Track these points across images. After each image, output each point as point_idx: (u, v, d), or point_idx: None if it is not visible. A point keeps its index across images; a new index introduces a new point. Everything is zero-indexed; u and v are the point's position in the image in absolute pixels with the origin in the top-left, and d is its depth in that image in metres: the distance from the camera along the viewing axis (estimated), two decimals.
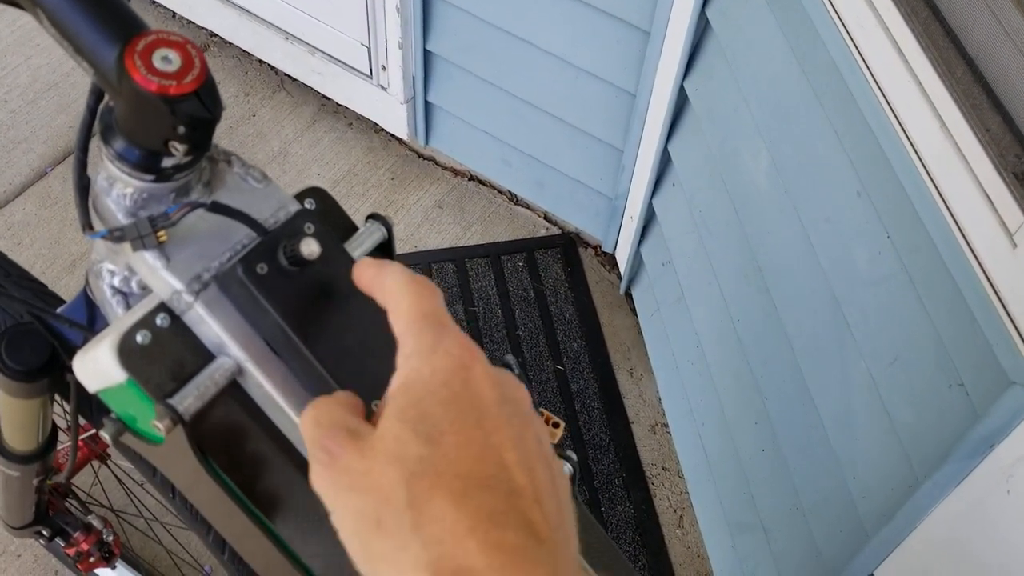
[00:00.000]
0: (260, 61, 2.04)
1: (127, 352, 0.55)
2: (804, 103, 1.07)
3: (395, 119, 1.86)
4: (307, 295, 0.56)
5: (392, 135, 1.97)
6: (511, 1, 1.51)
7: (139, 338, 0.56)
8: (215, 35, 2.06)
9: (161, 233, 0.54)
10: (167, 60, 0.49)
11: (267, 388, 0.58)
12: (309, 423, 0.43)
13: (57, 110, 1.94)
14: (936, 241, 0.85)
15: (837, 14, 0.97)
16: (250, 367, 0.57)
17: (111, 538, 1.07)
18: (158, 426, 0.54)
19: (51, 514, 1.06)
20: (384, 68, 1.75)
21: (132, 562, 1.33)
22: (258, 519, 0.61)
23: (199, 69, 0.49)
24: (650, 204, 1.54)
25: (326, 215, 0.66)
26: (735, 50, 1.21)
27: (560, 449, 0.72)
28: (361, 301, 0.58)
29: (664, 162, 1.47)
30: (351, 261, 0.58)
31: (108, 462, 1.13)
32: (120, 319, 0.59)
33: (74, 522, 1.06)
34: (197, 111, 0.50)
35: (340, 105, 1.98)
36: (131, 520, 1.16)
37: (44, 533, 1.05)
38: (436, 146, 1.91)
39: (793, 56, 1.09)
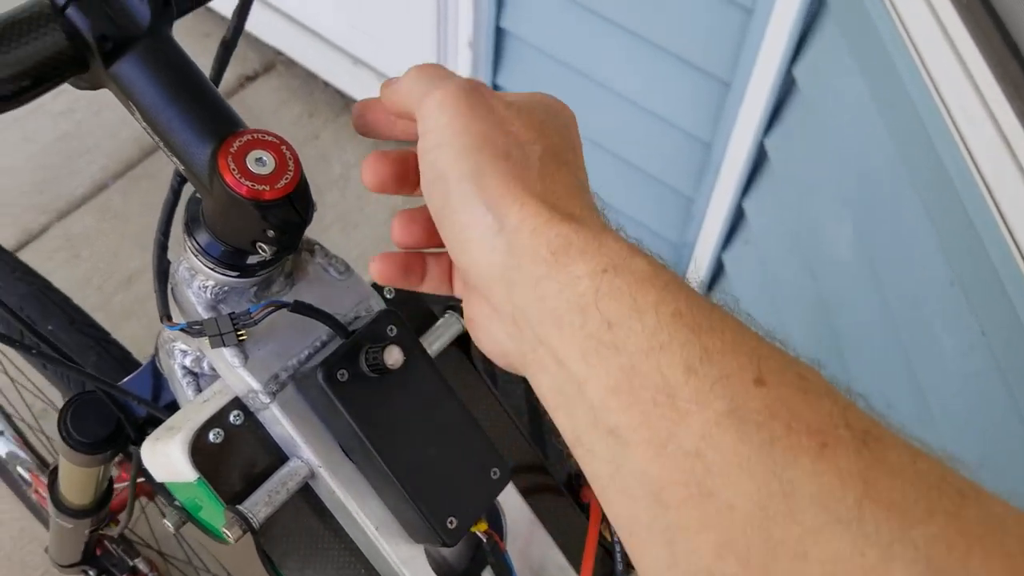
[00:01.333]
0: (325, 83, 2.02)
1: (199, 452, 0.53)
2: (894, 178, 1.03)
3: None
4: (388, 403, 0.53)
5: None
6: (586, 41, 1.47)
7: (212, 436, 0.54)
8: (281, 54, 2.06)
9: (242, 332, 0.52)
10: (261, 162, 0.46)
11: (339, 495, 0.55)
12: None
13: (121, 123, 1.94)
14: None
15: (936, 89, 0.92)
16: (323, 473, 0.55)
17: None
18: (227, 533, 0.52)
19: (98, 554, 1.04)
20: None
21: None
22: None
23: (293, 172, 0.47)
24: (719, 258, 1.50)
25: (404, 302, 0.63)
26: (822, 112, 1.17)
27: None
28: (441, 410, 0.56)
29: (737, 217, 1.43)
30: (435, 369, 0.56)
31: (156, 499, 1.12)
32: (192, 408, 0.57)
33: (121, 564, 1.05)
34: (289, 216, 0.47)
35: None
36: (180, 567, 1.14)
37: (90, 573, 1.03)
38: None
39: (885, 126, 1.04)
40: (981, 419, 0.89)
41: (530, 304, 0.33)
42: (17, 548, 1.45)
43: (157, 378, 0.68)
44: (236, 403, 0.55)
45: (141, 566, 1.04)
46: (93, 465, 0.69)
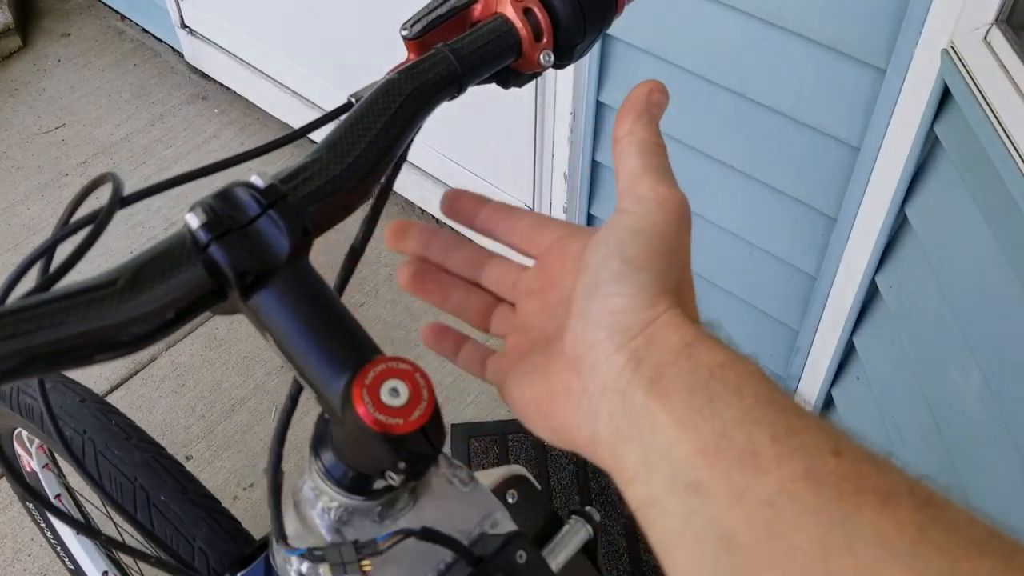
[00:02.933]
0: (422, 210, 2.07)
1: None
2: (1023, 320, 0.97)
3: None
4: None
5: None
6: (685, 177, 1.47)
7: None
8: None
9: (366, 563, 0.50)
10: (395, 393, 0.45)
11: None
12: None
13: None
14: None
15: None
16: None
17: None
18: None
19: None
20: None
21: None
22: None
23: (427, 403, 0.46)
24: (829, 393, 1.44)
25: (528, 502, 0.61)
26: (940, 253, 1.12)
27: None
28: None
29: (847, 352, 1.38)
30: None
31: None
32: None
33: None
34: (421, 448, 0.46)
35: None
36: None
37: None
38: None
39: (1011, 267, 0.99)
40: None
41: (646, 384, 0.37)
42: None
43: (270, 573, 0.67)
44: None
45: None
46: None
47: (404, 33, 0.56)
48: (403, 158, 0.56)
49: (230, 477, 1.69)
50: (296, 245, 0.48)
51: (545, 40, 0.56)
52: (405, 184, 1.99)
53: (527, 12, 0.55)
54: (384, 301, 1.94)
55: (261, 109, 2.31)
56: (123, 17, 2.65)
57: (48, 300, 0.40)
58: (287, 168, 0.50)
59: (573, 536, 0.60)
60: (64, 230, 0.45)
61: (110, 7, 2.67)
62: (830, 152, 1.26)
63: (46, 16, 2.71)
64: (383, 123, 0.53)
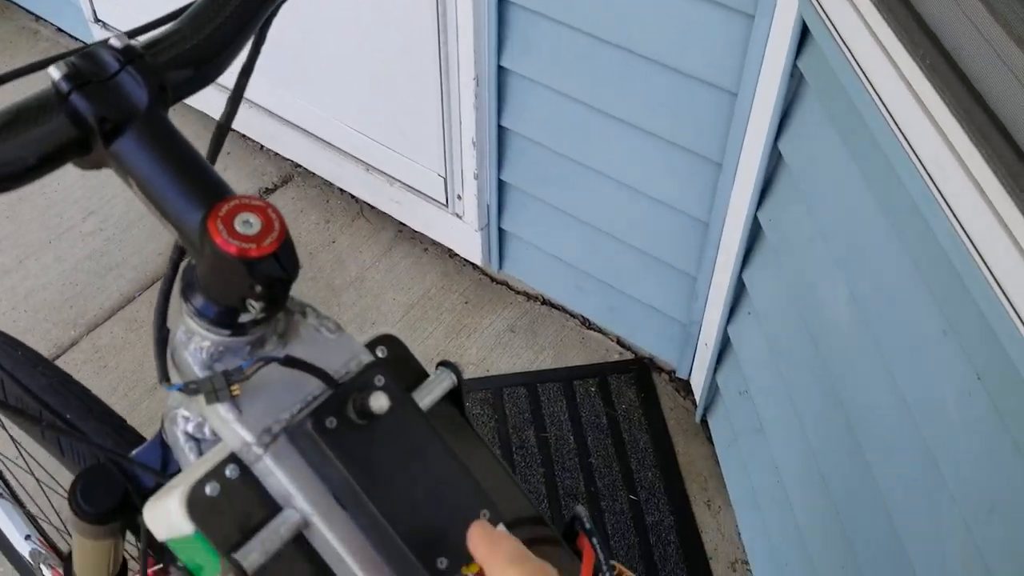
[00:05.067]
0: (341, 190, 2.11)
1: (196, 504, 0.55)
2: (882, 237, 1.05)
3: (469, 245, 1.89)
4: (376, 449, 0.56)
5: (466, 260, 2.00)
6: (583, 134, 1.54)
7: (208, 489, 0.56)
8: (299, 166, 2.15)
9: (235, 387, 0.55)
10: (248, 224, 0.51)
11: (333, 543, 0.57)
12: None
13: (148, 237, 2.03)
14: None
15: (912, 149, 0.96)
16: (316, 521, 0.57)
17: None
18: None
19: None
20: (460, 197, 1.79)
21: None
22: None
23: (278, 231, 0.51)
24: (725, 331, 1.52)
25: (397, 362, 0.66)
26: (809, 182, 1.21)
27: None
28: (429, 455, 0.58)
29: (739, 290, 1.46)
30: (421, 414, 0.58)
31: None
32: (191, 468, 0.59)
33: None
34: (274, 271, 0.51)
35: (416, 232, 2.03)
36: None
37: None
38: (510, 272, 1.93)
39: (868, 189, 1.08)
40: (987, 465, 0.89)
41: None
42: None
43: (166, 451, 0.71)
44: (232, 458, 0.57)
45: None
46: (103, 538, 0.71)
47: None
48: (262, 39, 0.62)
49: None
50: (153, 97, 0.53)
51: None
52: (322, 164, 2.04)
53: None
54: (305, 278, 1.98)
55: None
56: (37, 18, 2.66)
57: None
58: (150, 36, 0.56)
59: (438, 384, 0.65)
60: None
61: (23, 8, 2.67)
62: (712, 99, 1.34)
63: None
64: (237, 3, 0.59)
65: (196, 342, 0.57)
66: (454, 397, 0.66)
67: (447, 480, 0.57)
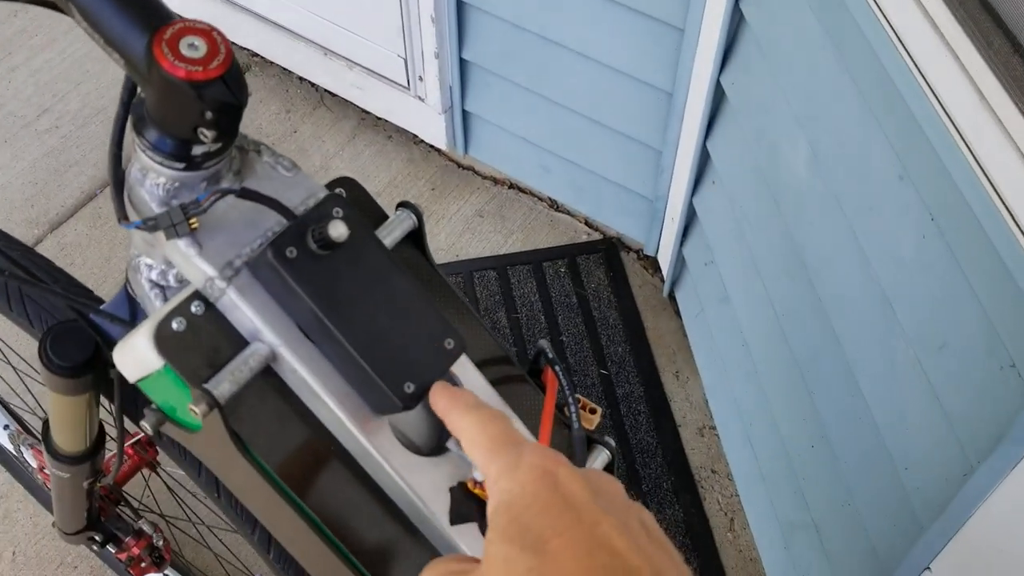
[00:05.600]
0: (300, 78, 2.07)
1: (163, 339, 0.56)
2: (841, 89, 1.06)
3: (433, 130, 1.87)
4: (338, 278, 0.56)
5: (431, 146, 1.99)
6: (544, 5, 1.51)
7: (175, 325, 0.57)
8: (256, 55, 2.10)
9: (193, 220, 0.55)
10: (194, 47, 0.50)
11: (301, 373, 0.58)
12: None
13: (106, 134, 1.99)
14: (982, 220, 0.83)
15: None
16: (284, 352, 0.58)
17: (161, 543, 1.09)
18: (195, 411, 0.55)
19: (103, 520, 1.07)
20: (421, 79, 1.76)
21: (184, 571, 1.34)
22: (299, 507, 0.61)
23: (224, 55, 0.50)
24: (691, 204, 1.53)
25: (356, 204, 0.66)
26: (770, 41, 1.20)
27: (598, 435, 0.71)
28: (391, 284, 0.59)
29: (703, 160, 1.46)
30: (381, 244, 0.59)
31: (158, 470, 1.15)
32: (157, 310, 0.60)
33: (125, 528, 1.08)
34: (223, 96, 0.50)
35: (379, 119, 2.01)
36: (183, 528, 1.17)
37: (96, 539, 1.06)
38: (475, 155, 1.92)
39: (829, 41, 1.07)
40: (942, 306, 0.92)
41: None
42: (31, 543, 1.48)
43: (133, 305, 0.72)
44: (196, 295, 0.58)
45: (146, 528, 1.07)
46: (76, 393, 0.72)
47: None
48: None
49: None
50: None
51: None
52: (279, 51, 1.99)
53: None
54: None
55: None
56: None
57: None
58: None
59: (399, 224, 0.66)
60: None
61: None
62: None
63: None
64: None
65: (151, 179, 0.57)
66: (415, 239, 0.67)
67: (411, 309, 0.58)
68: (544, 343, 0.68)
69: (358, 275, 0.57)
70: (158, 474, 1.17)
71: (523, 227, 1.89)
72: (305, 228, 0.56)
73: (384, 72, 1.81)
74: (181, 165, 0.55)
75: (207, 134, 0.52)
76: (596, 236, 1.89)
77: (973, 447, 0.86)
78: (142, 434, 1.08)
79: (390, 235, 0.65)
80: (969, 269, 0.87)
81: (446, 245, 1.87)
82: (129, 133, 0.58)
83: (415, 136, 1.98)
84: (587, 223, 1.90)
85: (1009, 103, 0.79)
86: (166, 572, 1.24)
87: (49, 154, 1.98)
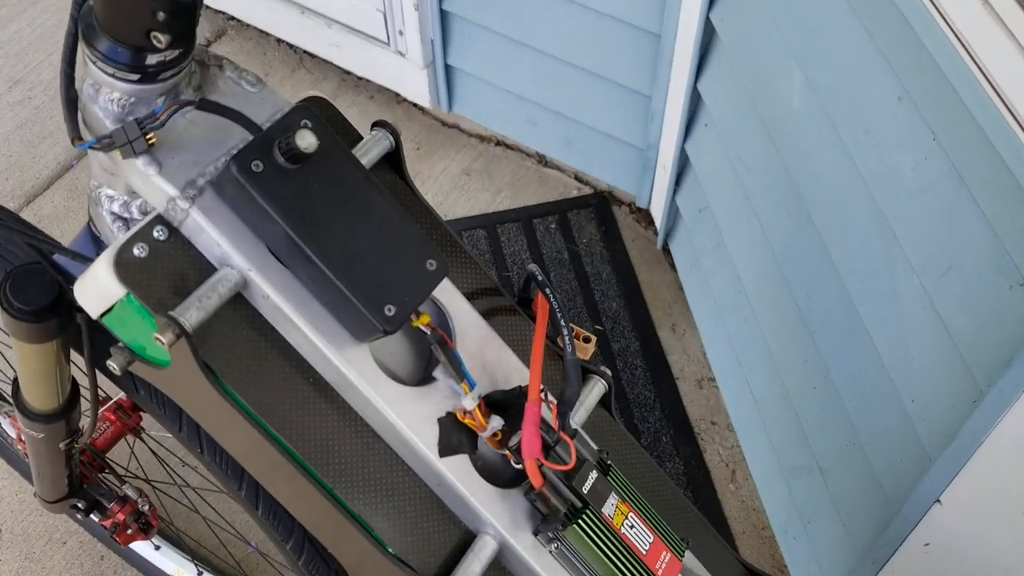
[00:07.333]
0: (278, 40, 2.02)
1: (123, 266, 0.52)
2: (836, 13, 1.02)
3: (416, 87, 1.83)
4: (309, 194, 0.53)
5: (415, 104, 1.94)
6: None
7: (136, 251, 0.53)
8: (232, 18, 2.05)
9: (150, 136, 0.51)
10: None
11: (274, 299, 0.55)
12: None
13: None
14: (989, 134, 0.79)
15: None
16: (254, 277, 0.54)
17: (147, 508, 1.05)
18: (160, 340, 0.51)
19: (85, 487, 1.04)
20: (401, 33, 1.71)
21: (175, 540, 1.31)
22: (279, 443, 0.58)
23: None
24: (683, 150, 1.49)
25: (329, 123, 0.62)
26: None
27: (592, 364, 0.68)
28: (366, 201, 0.55)
29: (695, 103, 1.42)
30: (354, 157, 0.55)
31: (142, 436, 1.11)
32: (119, 238, 0.56)
33: (109, 494, 1.04)
34: None
35: (360, 78, 1.96)
36: (175, 496, 1.14)
37: (79, 506, 1.03)
38: (460, 111, 1.88)
39: None
40: (947, 228, 0.88)
41: None
42: (18, 520, 1.45)
43: (98, 244, 0.68)
44: (159, 219, 0.54)
45: (131, 493, 1.04)
46: (43, 340, 0.68)
47: None
48: None
49: None
50: None
51: None
52: (256, 13, 1.93)
53: None
54: None
55: None
56: None
57: None
58: None
59: (376, 144, 0.62)
60: None
61: None
62: None
63: None
64: None
65: (105, 94, 0.53)
66: (393, 161, 0.63)
67: (390, 227, 0.55)
68: (533, 267, 0.65)
69: (331, 191, 0.53)
70: (143, 440, 1.13)
71: (511, 184, 1.85)
72: (271, 140, 0.52)
73: (363, 28, 1.76)
74: (135, 76, 0.51)
75: (160, 38, 0.48)
76: (587, 191, 1.85)
77: (982, 372, 0.83)
78: (123, 396, 1.04)
79: (366, 155, 0.61)
80: (975, 186, 0.83)
81: (434, 205, 1.82)
82: (82, 52, 0.54)
83: (397, 95, 1.93)
84: (577, 178, 1.86)
85: (1015, 6, 0.75)
86: (154, 540, 1.20)
87: (22, 126, 1.93)
